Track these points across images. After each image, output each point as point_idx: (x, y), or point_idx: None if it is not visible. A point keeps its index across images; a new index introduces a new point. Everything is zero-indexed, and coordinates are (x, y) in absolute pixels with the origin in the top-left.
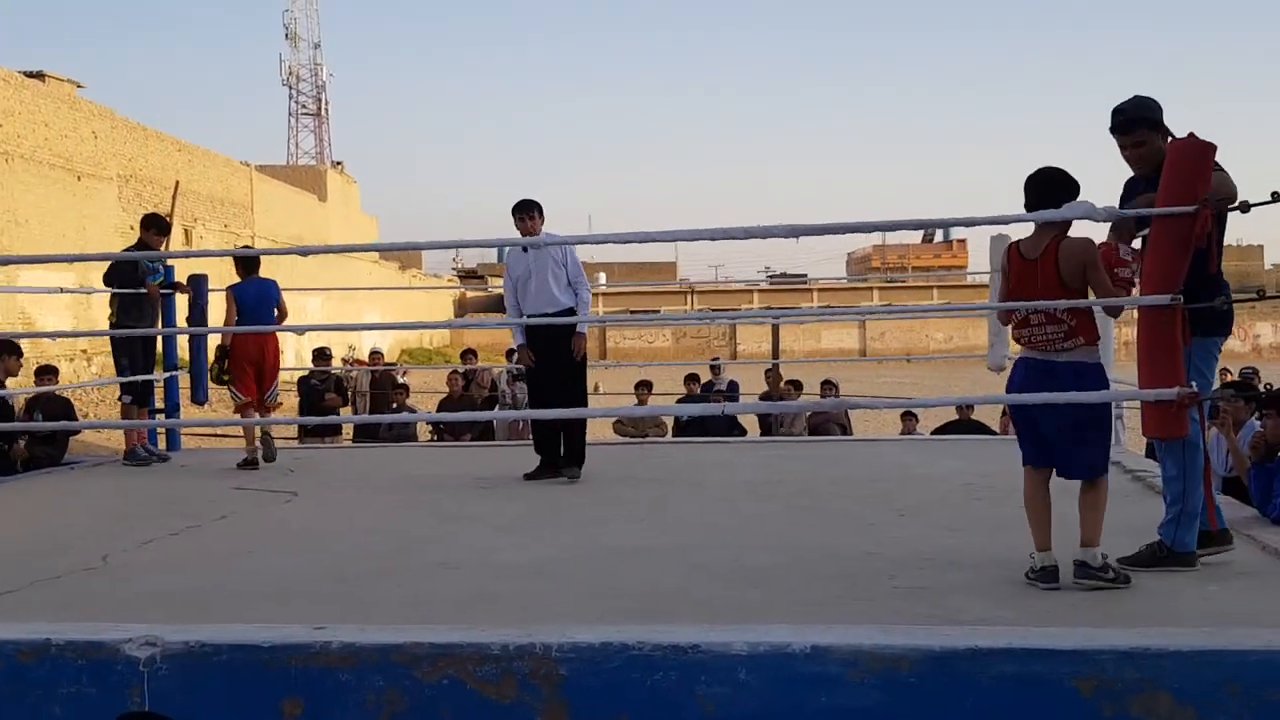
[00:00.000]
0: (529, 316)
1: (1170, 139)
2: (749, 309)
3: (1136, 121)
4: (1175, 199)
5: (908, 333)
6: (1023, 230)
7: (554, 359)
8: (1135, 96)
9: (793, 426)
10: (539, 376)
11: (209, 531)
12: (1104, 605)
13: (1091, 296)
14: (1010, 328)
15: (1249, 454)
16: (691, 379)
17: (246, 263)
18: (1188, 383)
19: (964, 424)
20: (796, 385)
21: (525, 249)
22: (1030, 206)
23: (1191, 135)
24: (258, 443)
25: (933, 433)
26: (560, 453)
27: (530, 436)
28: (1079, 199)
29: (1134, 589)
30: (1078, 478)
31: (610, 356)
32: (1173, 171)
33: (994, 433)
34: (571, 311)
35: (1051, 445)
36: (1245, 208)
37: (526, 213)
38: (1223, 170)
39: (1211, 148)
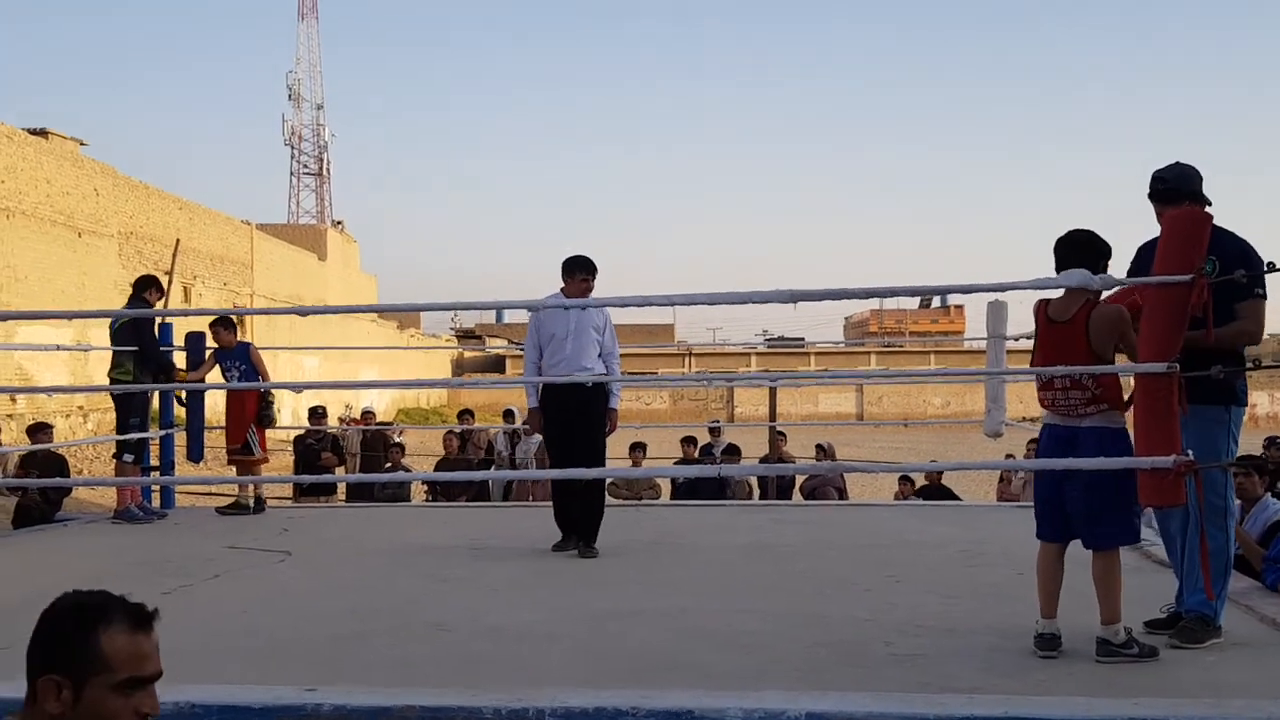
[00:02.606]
0: (558, 377)
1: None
2: (746, 371)
3: (1178, 194)
4: (1171, 268)
5: (905, 397)
6: (1019, 296)
7: (582, 427)
8: (1177, 164)
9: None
10: (563, 442)
11: (201, 591)
12: (1101, 675)
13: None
14: (1036, 390)
15: None
16: (688, 441)
17: (233, 323)
18: (1228, 453)
19: (933, 489)
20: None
21: (568, 308)
22: (1060, 267)
23: (1188, 205)
24: (250, 492)
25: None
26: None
27: (526, 499)
28: (1106, 266)
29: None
30: (1098, 546)
31: None
32: (1169, 241)
33: (959, 498)
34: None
35: (1072, 513)
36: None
37: (589, 272)
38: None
39: (1208, 218)
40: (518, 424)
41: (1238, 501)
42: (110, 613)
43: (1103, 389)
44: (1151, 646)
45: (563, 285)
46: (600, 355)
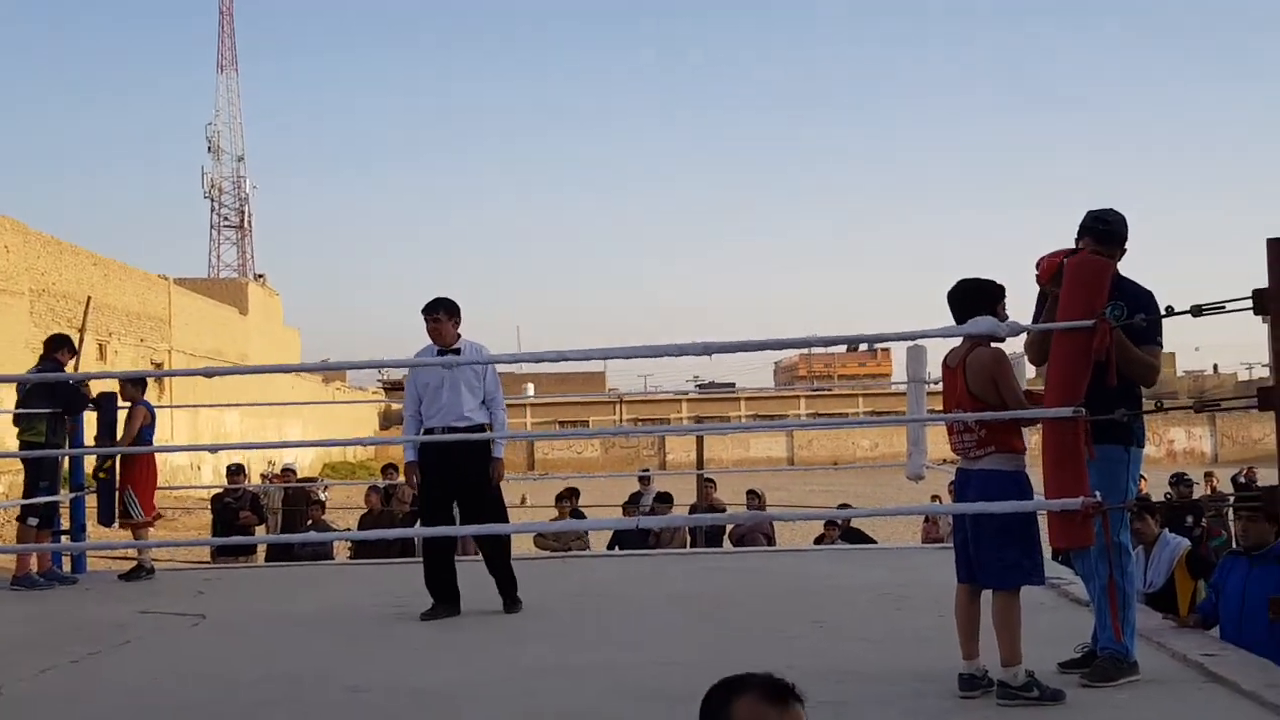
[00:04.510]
0: (434, 430)
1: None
2: (678, 418)
3: (1113, 238)
4: (1074, 313)
5: (835, 440)
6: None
7: (462, 483)
8: (1110, 210)
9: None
10: (437, 500)
11: (111, 658)
12: (1019, 719)
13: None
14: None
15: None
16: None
17: (144, 381)
18: (1129, 492)
19: (845, 532)
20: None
21: (440, 354)
22: (956, 318)
23: (1085, 251)
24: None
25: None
26: (455, 588)
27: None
28: (1001, 305)
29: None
30: (990, 586)
31: (539, 468)
32: (1071, 286)
33: (873, 541)
34: (482, 430)
35: (972, 555)
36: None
37: (434, 313)
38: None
39: (1108, 265)
40: None
41: (1139, 546)
42: (749, 683)
43: (988, 432)
44: (1056, 690)
45: None
46: (483, 402)
